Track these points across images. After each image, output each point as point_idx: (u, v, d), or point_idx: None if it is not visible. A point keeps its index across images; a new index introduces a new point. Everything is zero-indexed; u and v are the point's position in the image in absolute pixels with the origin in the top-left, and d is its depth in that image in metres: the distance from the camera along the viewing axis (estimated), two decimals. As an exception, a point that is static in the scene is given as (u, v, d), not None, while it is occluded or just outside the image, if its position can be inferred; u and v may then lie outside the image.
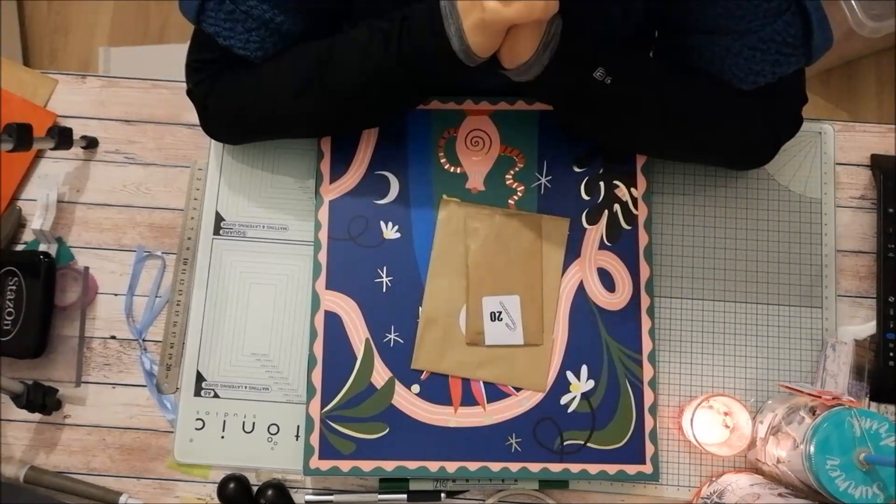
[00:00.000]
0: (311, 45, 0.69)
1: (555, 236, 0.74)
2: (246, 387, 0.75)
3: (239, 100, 0.71)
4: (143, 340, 0.77)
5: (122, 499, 0.73)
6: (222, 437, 0.74)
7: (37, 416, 0.75)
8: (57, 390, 0.74)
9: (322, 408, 0.71)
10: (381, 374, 0.71)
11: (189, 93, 0.74)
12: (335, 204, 0.75)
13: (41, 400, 0.72)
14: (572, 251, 0.74)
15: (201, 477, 0.74)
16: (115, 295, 0.78)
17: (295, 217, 0.78)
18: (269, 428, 0.74)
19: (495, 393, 0.72)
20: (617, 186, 0.75)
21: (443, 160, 0.76)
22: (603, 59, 0.64)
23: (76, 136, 0.78)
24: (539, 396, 0.71)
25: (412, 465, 0.70)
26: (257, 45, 0.68)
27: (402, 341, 0.72)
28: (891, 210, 0.77)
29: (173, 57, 0.76)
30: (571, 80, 0.65)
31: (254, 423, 0.74)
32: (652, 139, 0.73)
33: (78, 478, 0.74)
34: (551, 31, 0.62)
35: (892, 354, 0.75)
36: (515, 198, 0.75)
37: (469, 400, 0.71)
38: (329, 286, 0.73)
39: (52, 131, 0.75)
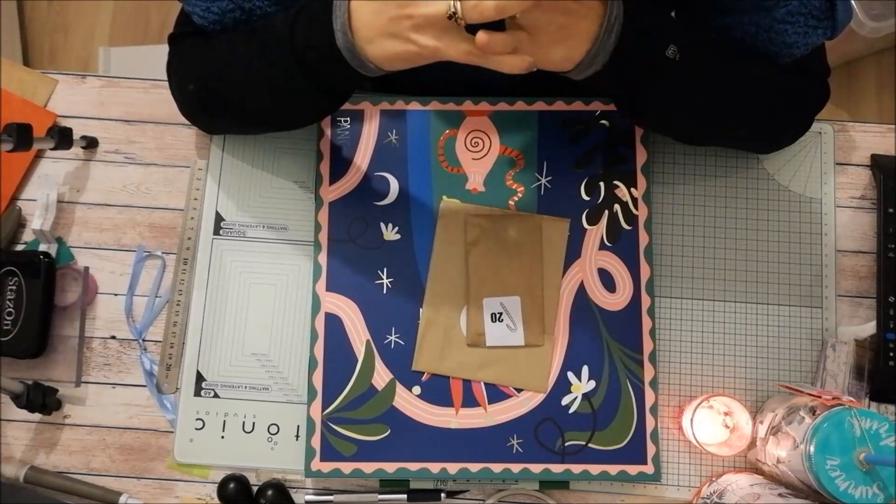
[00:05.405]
0: (247, 28, 0.67)
1: (555, 237, 0.74)
2: (246, 387, 0.75)
3: (192, 68, 0.71)
4: (143, 340, 0.77)
5: (122, 499, 0.73)
6: (222, 437, 0.74)
7: (37, 416, 0.75)
8: (57, 390, 0.74)
9: (323, 410, 0.71)
10: (381, 376, 0.71)
11: (167, 65, 0.74)
12: (335, 206, 0.75)
13: (41, 400, 0.72)
14: (572, 251, 0.74)
15: (201, 477, 0.74)
16: (115, 295, 0.78)
17: (295, 217, 0.78)
18: (269, 428, 0.74)
19: (496, 394, 0.71)
20: (617, 186, 0.75)
21: (442, 161, 0.76)
22: (674, 32, 0.58)
23: (76, 136, 0.78)
24: (540, 397, 0.71)
25: (414, 466, 0.70)
26: (216, 17, 0.67)
27: (402, 343, 0.72)
28: (891, 210, 0.77)
29: (173, 57, 0.76)
30: (642, 65, 0.57)
31: (254, 423, 0.74)
32: (710, 124, 0.69)
33: (78, 478, 0.74)
34: (614, 12, 0.53)
35: (892, 354, 0.75)
36: (515, 198, 0.75)
37: (470, 401, 0.71)
38: (329, 288, 0.73)
39: (52, 131, 0.75)
